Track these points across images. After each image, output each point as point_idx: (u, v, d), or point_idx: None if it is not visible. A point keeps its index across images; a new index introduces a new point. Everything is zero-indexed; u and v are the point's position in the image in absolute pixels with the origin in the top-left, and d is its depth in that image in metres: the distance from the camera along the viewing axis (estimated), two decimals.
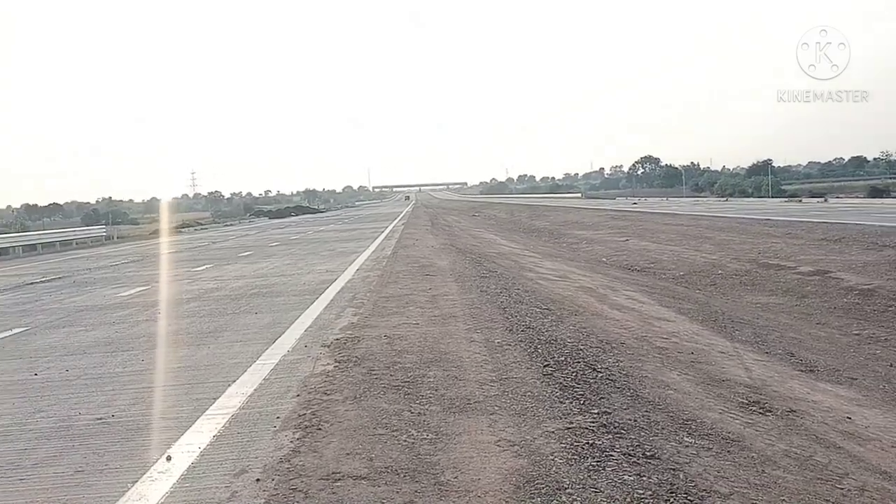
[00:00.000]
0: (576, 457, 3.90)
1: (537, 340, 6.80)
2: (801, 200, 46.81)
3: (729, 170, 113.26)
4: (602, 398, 4.97)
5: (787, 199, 49.89)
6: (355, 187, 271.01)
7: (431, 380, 5.53)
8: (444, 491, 3.55)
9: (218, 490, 3.70)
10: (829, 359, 7.98)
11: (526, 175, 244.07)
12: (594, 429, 4.33)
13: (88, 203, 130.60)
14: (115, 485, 3.88)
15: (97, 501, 3.71)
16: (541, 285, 11.47)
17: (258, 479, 3.78)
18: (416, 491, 3.55)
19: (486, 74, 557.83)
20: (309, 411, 4.86)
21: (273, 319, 9.01)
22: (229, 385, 5.80)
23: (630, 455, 3.92)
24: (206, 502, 3.59)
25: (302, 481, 3.70)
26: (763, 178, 70.39)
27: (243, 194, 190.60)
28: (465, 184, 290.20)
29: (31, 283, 16.93)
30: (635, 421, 4.51)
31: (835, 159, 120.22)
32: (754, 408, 5.21)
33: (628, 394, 5.12)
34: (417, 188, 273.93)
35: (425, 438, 4.26)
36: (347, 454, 4.04)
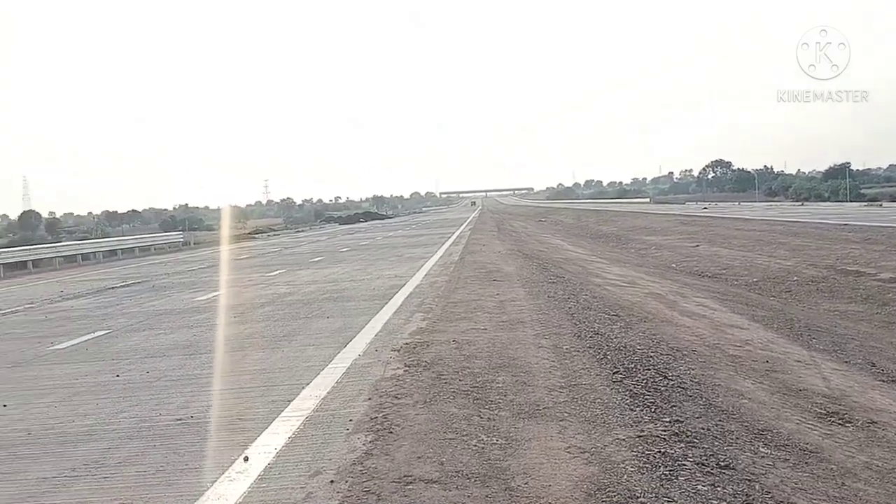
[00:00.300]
0: (648, 465, 3.86)
1: (606, 347, 6.75)
2: (881, 205, 44.97)
3: (804, 173, 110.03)
4: (673, 406, 4.90)
5: (866, 204, 47.96)
6: (422, 193, 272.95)
7: (500, 385, 5.55)
8: (516, 497, 3.56)
9: (293, 491, 3.79)
10: None
11: (593, 180, 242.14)
12: (666, 437, 4.29)
13: (166, 209, 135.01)
14: (194, 484, 4.02)
15: (178, 499, 3.85)
16: (609, 291, 11.36)
17: (332, 481, 3.86)
18: (487, 496, 3.57)
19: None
20: (380, 415, 4.94)
21: (344, 324, 9.17)
22: (303, 388, 5.94)
23: (703, 465, 3.86)
24: (282, 502, 3.69)
25: (375, 484, 3.77)
26: (840, 182, 68.05)
27: (314, 201, 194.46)
28: (532, 189, 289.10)
29: (112, 288, 17.61)
30: (708, 430, 4.44)
31: None
32: (833, 418, 5.06)
33: (700, 402, 5.04)
34: (484, 193, 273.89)
35: (495, 443, 4.28)
36: (419, 458, 4.09)
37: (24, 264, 29.59)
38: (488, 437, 4.40)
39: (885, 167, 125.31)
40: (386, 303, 10.83)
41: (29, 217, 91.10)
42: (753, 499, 3.48)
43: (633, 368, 5.91)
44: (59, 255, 33.07)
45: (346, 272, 17.23)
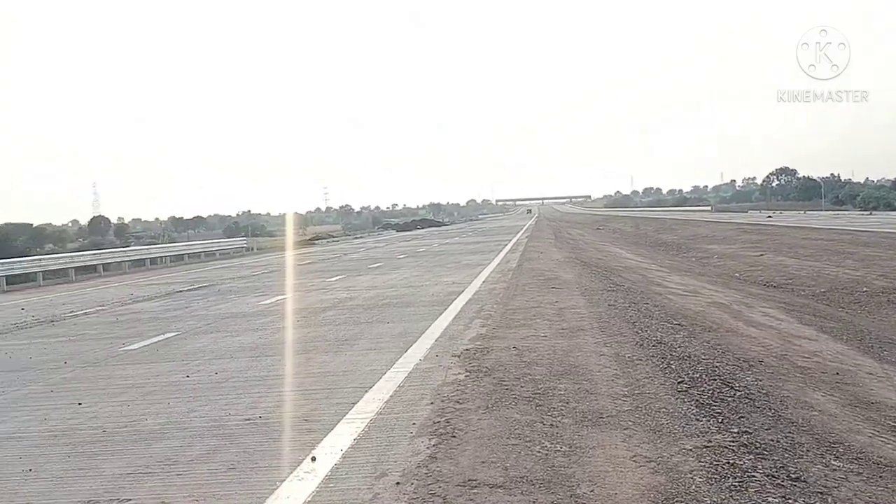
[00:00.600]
0: (716, 476, 3.81)
1: (669, 356, 6.67)
2: None
3: (873, 182, 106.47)
4: (741, 417, 4.83)
5: None
6: (479, 201, 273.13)
7: (562, 392, 5.54)
8: None
9: (360, 491, 3.86)
10: None
11: (652, 188, 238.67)
12: (734, 448, 4.22)
13: (229, 216, 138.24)
14: (264, 483, 4.11)
15: (249, 497, 3.94)
16: (670, 300, 11.21)
17: (398, 483, 3.92)
18: (552, 502, 3.58)
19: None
20: (443, 419, 4.99)
21: (404, 329, 9.26)
22: (366, 391, 6.02)
23: (774, 476, 3.80)
24: (349, 503, 3.76)
25: (440, 486, 3.81)
26: None
27: (372, 207, 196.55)
28: (589, 197, 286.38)
29: (180, 292, 18.09)
30: (778, 441, 4.36)
31: None
32: None
33: (769, 413, 4.95)
34: (540, 201, 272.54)
35: (559, 450, 4.28)
36: (483, 462, 4.12)
37: (94, 268, 30.61)
38: (552, 443, 4.40)
39: None
40: (445, 309, 10.90)
41: (98, 222, 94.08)
42: None
43: (698, 378, 5.83)
44: (129, 259, 34.09)
45: (405, 278, 17.37)
